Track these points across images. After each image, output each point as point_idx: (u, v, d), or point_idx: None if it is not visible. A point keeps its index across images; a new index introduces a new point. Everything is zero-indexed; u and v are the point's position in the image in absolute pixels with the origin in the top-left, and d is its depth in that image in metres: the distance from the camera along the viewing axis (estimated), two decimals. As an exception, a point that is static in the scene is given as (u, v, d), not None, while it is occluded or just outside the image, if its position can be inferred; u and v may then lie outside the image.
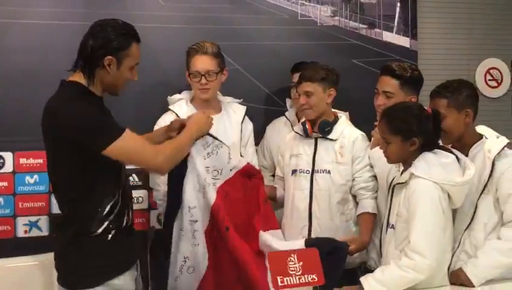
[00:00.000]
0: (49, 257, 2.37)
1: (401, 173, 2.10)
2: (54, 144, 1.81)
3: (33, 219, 2.81)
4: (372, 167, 2.44)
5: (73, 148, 1.77)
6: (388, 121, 2.05)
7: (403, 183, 2.05)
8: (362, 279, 1.97)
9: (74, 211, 1.83)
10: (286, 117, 2.95)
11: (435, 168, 1.98)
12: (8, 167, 2.81)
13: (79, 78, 1.85)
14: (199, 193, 2.22)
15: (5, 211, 2.79)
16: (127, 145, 1.78)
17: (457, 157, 2.06)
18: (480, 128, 2.20)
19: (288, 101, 3.01)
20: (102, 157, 1.78)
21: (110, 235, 1.84)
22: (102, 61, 1.82)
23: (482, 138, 2.16)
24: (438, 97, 2.15)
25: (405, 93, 2.38)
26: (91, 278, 1.81)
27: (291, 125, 2.87)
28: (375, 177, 2.44)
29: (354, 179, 2.46)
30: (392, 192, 2.13)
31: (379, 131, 2.13)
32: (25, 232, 2.80)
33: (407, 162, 2.07)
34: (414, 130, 2.01)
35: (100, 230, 1.81)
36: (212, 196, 2.20)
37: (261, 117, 3.06)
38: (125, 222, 1.90)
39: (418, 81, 2.43)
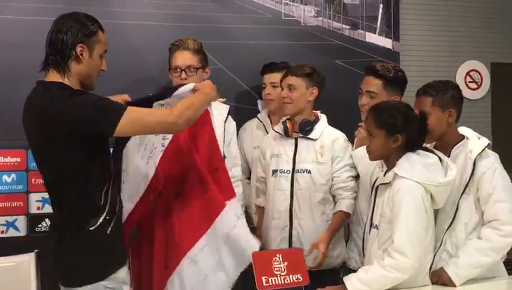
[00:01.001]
0: (27, 257, 2.32)
1: (385, 174, 2.10)
2: (55, 143, 1.77)
3: (10, 218, 2.75)
4: (352, 167, 2.45)
5: (78, 142, 1.76)
6: (375, 115, 2.07)
7: (386, 183, 2.06)
8: (345, 279, 1.97)
9: (73, 207, 1.81)
10: (258, 119, 2.93)
11: (418, 169, 1.99)
12: (-15, 166, 2.74)
13: (55, 77, 1.83)
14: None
15: (-19, 211, 2.72)
16: (136, 116, 1.79)
17: (439, 158, 2.08)
18: (462, 130, 2.23)
19: (259, 103, 3.00)
20: (101, 145, 1.81)
21: (109, 228, 1.83)
22: (74, 51, 1.81)
23: (463, 138, 2.19)
24: (423, 95, 2.18)
25: (388, 93, 2.39)
26: (96, 273, 1.81)
27: (264, 127, 2.87)
28: (355, 177, 2.45)
29: (333, 179, 2.46)
30: (376, 192, 2.13)
31: (365, 125, 2.14)
32: (2, 232, 2.73)
33: (389, 161, 2.08)
34: (399, 125, 2.02)
35: (100, 221, 1.81)
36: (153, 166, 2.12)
37: (244, 116, 3.04)
38: (117, 208, 1.90)
39: (401, 82, 2.45)
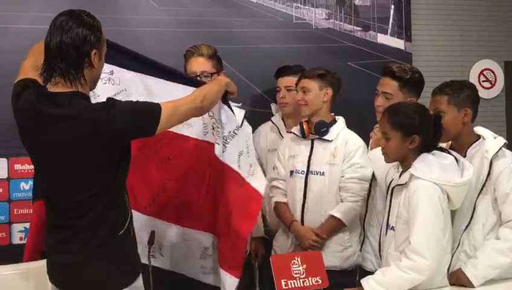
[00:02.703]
0: (44, 263, 2.34)
1: (400, 175, 2.10)
2: (99, 155, 1.69)
3: (29, 225, 2.77)
4: (360, 168, 2.43)
5: (120, 149, 1.73)
6: (391, 116, 2.06)
7: (402, 185, 2.05)
8: (363, 281, 1.97)
9: (107, 215, 1.73)
10: (272, 122, 2.94)
11: (434, 169, 1.99)
12: (3, 174, 2.78)
13: (65, 87, 1.69)
14: None
15: (0, 218, 2.76)
16: (171, 110, 1.77)
17: (455, 158, 2.06)
18: (478, 130, 2.21)
19: (273, 106, 3.00)
20: (130, 147, 1.77)
21: (131, 230, 1.80)
22: (89, 58, 1.69)
23: (479, 138, 2.17)
24: (439, 94, 2.18)
25: (404, 95, 2.39)
26: (124, 278, 1.76)
27: (278, 130, 2.87)
28: (361, 180, 2.43)
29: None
30: (391, 194, 2.13)
31: (380, 127, 2.13)
32: (20, 239, 2.77)
33: (404, 163, 2.07)
34: (416, 126, 2.02)
35: (126, 225, 1.77)
36: None
37: (257, 120, 3.05)
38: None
39: (417, 84, 2.44)
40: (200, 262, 2.29)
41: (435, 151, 2.05)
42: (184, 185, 2.26)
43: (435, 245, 1.95)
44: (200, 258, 2.28)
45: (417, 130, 2.02)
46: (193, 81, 2.22)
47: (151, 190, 2.27)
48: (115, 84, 2.11)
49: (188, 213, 2.27)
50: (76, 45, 1.66)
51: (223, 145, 2.12)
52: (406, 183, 2.03)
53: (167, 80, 2.13)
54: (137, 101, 1.79)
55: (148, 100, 1.88)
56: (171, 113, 1.77)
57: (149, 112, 1.75)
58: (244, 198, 2.14)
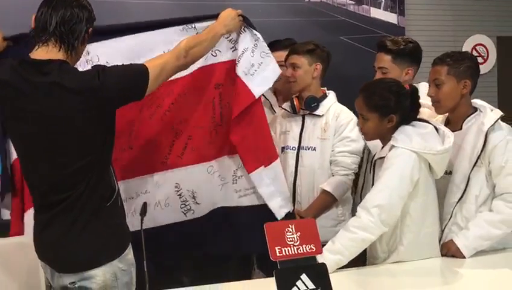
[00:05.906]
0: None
1: (382, 148, 2.08)
2: (97, 123, 1.68)
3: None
4: (350, 142, 2.42)
5: (111, 116, 1.72)
6: (366, 98, 2.04)
7: (383, 157, 2.04)
8: (318, 256, 1.89)
9: (96, 188, 1.71)
10: (265, 97, 2.91)
11: (414, 139, 1.98)
12: None
13: (57, 54, 1.69)
14: None
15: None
16: (156, 70, 1.77)
17: (435, 127, 2.05)
18: (476, 101, 2.21)
19: None
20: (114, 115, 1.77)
21: (119, 199, 1.79)
22: (86, 33, 1.73)
23: (476, 111, 2.17)
24: (440, 64, 2.16)
25: (399, 67, 2.36)
26: (113, 250, 1.74)
27: (271, 105, 2.85)
28: (352, 154, 2.43)
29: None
30: (374, 167, 2.12)
31: (357, 108, 2.10)
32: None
33: (385, 139, 2.06)
34: (392, 106, 2.00)
35: (115, 195, 1.76)
36: None
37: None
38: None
39: (412, 53, 2.41)
40: (233, 187, 2.27)
41: (414, 122, 2.04)
42: (195, 121, 2.22)
43: (387, 209, 1.93)
44: (233, 183, 2.27)
45: (394, 110, 2.00)
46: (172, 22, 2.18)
47: (163, 143, 2.22)
48: (95, 62, 2.06)
49: (208, 146, 2.23)
50: (79, 17, 1.72)
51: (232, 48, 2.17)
52: (386, 155, 2.02)
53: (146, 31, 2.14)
54: (124, 64, 1.78)
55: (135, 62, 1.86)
56: (158, 73, 1.77)
57: (137, 74, 1.75)
58: (236, 94, 2.17)
